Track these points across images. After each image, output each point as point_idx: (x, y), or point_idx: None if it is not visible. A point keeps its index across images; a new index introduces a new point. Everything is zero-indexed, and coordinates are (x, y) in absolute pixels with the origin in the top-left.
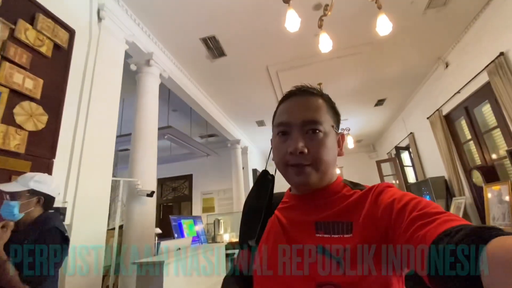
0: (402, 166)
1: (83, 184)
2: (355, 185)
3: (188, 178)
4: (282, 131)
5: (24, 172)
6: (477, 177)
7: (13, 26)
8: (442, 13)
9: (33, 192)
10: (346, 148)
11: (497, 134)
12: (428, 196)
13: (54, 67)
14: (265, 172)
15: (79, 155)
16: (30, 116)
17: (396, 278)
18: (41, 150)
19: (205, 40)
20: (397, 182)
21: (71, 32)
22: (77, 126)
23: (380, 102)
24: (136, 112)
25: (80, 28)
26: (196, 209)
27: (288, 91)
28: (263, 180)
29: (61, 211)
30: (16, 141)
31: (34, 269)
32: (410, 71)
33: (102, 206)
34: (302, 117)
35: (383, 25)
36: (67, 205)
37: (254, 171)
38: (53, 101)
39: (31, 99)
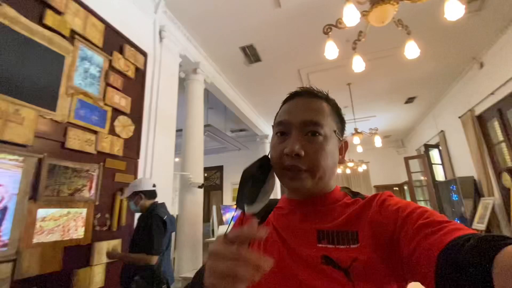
0: (431, 164)
1: (155, 179)
2: (355, 194)
3: (219, 169)
4: (281, 131)
5: (122, 170)
6: (507, 179)
7: (110, 58)
8: (477, 17)
9: (135, 193)
10: (374, 146)
11: None
12: (456, 196)
13: (136, 86)
14: (266, 156)
15: (151, 155)
16: (124, 127)
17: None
18: (131, 153)
19: (243, 49)
20: (425, 179)
21: (145, 55)
22: (148, 131)
23: (410, 100)
24: (186, 115)
25: (149, 50)
26: (226, 198)
27: (293, 92)
28: (265, 161)
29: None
30: (117, 147)
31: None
32: (443, 70)
33: (167, 196)
34: (302, 118)
35: (411, 50)
36: None
37: None
38: (136, 113)
39: (124, 113)
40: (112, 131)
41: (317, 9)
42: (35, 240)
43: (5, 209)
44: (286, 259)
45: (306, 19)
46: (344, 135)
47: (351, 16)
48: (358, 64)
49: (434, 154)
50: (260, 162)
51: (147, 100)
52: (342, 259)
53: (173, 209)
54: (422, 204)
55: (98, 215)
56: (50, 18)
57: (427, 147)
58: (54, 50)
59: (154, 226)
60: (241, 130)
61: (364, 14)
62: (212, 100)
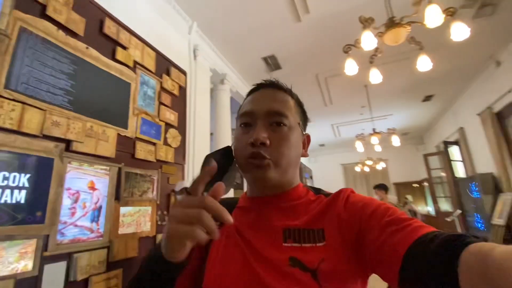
0: (450, 160)
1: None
2: (318, 190)
3: None
4: (245, 122)
5: (174, 174)
6: None
7: (161, 80)
8: (491, 20)
9: (183, 189)
10: (391, 145)
11: None
12: (477, 193)
13: (180, 102)
14: (229, 147)
15: (192, 160)
16: (174, 138)
17: (361, 283)
18: (180, 159)
19: (265, 59)
20: (445, 175)
21: (185, 74)
22: (189, 140)
23: (428, 98)
24: (216, 122)
25: (187, 68)
26: None
27: (257, 83)
28: (228, 151)
29: None
30: (170, 155)
31: None
32: (460, 69)
33: None
34: (267, 108)
35: (424, 64)
36: None
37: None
38: (182, 126)
39: (173, 127)
40: (165, 142)
41: (334, 23)
42: (120, 232)
43: (100, 208)
44: (250, 261)
45: (324, 31)
46: (307, 131)
47: (368, 41)
48: (375, 76)
49: (454, 151)
50: (223, 150)
51: (188, 113)
52: (310, 260)
53: None
54: (443, 200)
55: (159, 212)
56: (120, 53)
57: (447, 144)
58: (123, 79)
59: None
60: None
61: (380, 35)
62: (236, 106)
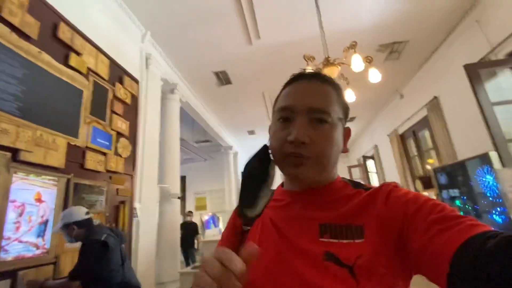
0: (368, 172)
1: (144, 192)
2: (356, 184)
3: (182, 179)
4: (283, 116)
5: (123, 185)
6: (419, 184)
7: (114, 88)
8: (398, 62)
9: (66, 225)
10: None
11: (433, 153)
12: None
13: (132, 111)
14: (266, 146)
15: (140, 170)
16: (124, 148)
17: (403, 283)
18: (129, 169)
19: (216, 73)
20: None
21: (137, 82)
22: (139, 149)
23: (352, 119)
24: (164, 131)
25: (139, 77)
26: (189, 207)
27: (297, 73)
28: (265, 152)
29: (134, 212)
30: (120, 165)
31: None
32: (375, 98)
33: (154, 207)
34: (309, 104)
35: (349, 96)
36: (138, 205)
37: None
38: (133, 135)
39: (124, 136)
40: (116, 152)
41: (281, 51)
42: (66, 246)
43: (47, 221)
44: (285, 252)
45: (271, 56)
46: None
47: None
48: None
49: (370, 164)
50: (258, 156)
51: (139, 122)
52: (346, 256)
53: (153, 220)
54: None
55: (108, 225)
56: (73, 59)
57: (365, 158)
58: (75, 86)
59: (82, 251)
60: (205, 141)
61: (319, 70)
62: (185, 115)
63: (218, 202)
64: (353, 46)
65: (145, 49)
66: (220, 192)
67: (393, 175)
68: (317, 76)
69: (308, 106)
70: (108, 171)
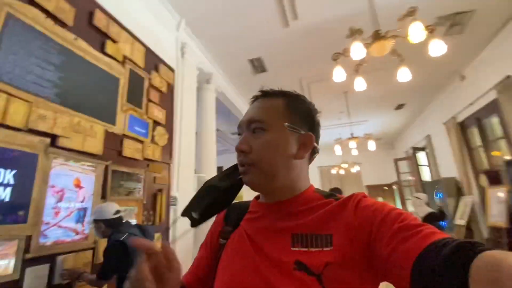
0: (418, 165)
1: (181, 181)
2: (328, 195)
3: (219, 170)
4: (238, 133)
5: (160, 173)
6: (483, 180)
7: (150, 76)
8: (460, 37)
9: (96, 221)
10: (365, 148)
11: (503, 143)
12: (441, 194)
13: (168, 99)
14: (237, 165)
15: (178, 159)
16: (161, 136)
17: None
18: (166, 158)
19: (251, 61)
20: (413, 179)
21: (173, 71)
22: (176, 139)
23: (400, 106)
24: (200, 121)
25: (174, 65)
26: None
27: (253, 96)
28: (232, 170)
29: (172, 200)
30: (157, 153)
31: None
32: (429, 81)
33: (192, 195)
34: (248, 117)
35: (404, 75)
36: (177, 194)
37: None
38: (169, 124)
39: (160, 124)
40: (153, 140)
41: (321, 31)
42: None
43: (86, 208)
44: (258, 264)
45: (311, 37)
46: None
47: (357, 51)
48: (360, 84)
49: (421, 156)
50: (227, 171)
51: (175, 111)
52: (315, 264)
53: None
54: (410, 202)
55: (145, 212)
56: (109, 47)
57: (415, 149)
58: (112, 73)
59: (105, 251)
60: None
61: (367, 46)
62: (221, 106)
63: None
64: (411, 13)
65: (180, 37)
66: None
67: (450, 168)
68: (265, 93)
69: (247, 119)
70: (145, 159)
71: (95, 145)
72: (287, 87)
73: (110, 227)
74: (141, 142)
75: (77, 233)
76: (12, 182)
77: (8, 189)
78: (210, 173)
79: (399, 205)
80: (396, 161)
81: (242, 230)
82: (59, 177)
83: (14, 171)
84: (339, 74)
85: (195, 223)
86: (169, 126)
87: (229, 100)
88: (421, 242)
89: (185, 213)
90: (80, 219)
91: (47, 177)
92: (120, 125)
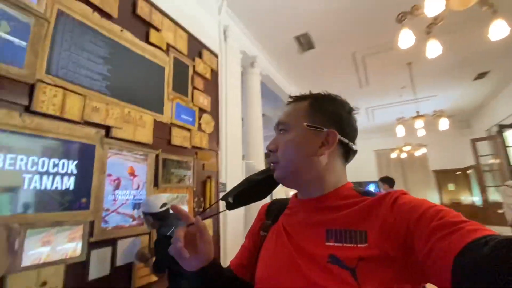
0: (505, 146)
1: (229, 167)
2: (364, 192)
3: (266, 156)
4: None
5: (209, 160)
6: None
7: (194, 63)
8: None
9: (144, 213)
10: (433, 128)
11: None
12: None
13: (212, 86)
14: None
15: (225, 146)
16: (207, 124)
17: None
18: (213, 145)
19: (297, 38)
20: (498, 161)
21: (216, 56)
22: (222, 125)
23: (481, 76)
24: (246, 107)
25: (218, 51)
26: None
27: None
28: (270, 168)
29: (222, 186)
30: (204, 141)
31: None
32: None
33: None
34: (277, 120)
35: (499, 30)
36: (226, 181)
37: None
38: (214, 111)
39: (206, 111)
40: (200, 128)
41: None
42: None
43: (141, 195)
44: (294, 257)
45: (363, 3)
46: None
47: (433, 5)
48: (433, 49)
49: (509, 136)
50: (266, 169)
51: (220, 97)
52: (348, 258)
53: None
54: (492, 190)
55: (196, 199)
56: (153, 36)
57: (502, 127)
58: (157, 63)
59: (154, 244)
60: None
61: None
62: (266, 91)
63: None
64: None
65: (222, 21)
66: None
67: None
68: (295, 99)
69: (276, 122)
70: (193, 147)
71: (145, 134)
72: (338, 63)
73: (158, 220)
74: (189, 130)
75: (134, 219)
76: (74, 172)
77: (72, 178)
78: (258, 159)
79: (476, 193)
80: (474, 141)
81: (280, 224)
82: (114, 166)
83: (76, 162)
84: (406, 38)
85: (229, 207)
86: (214, 113)
87: (275, 83)
88: (461, 239)
89: (223, 198)
90: (136, 206)
91: (104, 167)
92: (168, 114)
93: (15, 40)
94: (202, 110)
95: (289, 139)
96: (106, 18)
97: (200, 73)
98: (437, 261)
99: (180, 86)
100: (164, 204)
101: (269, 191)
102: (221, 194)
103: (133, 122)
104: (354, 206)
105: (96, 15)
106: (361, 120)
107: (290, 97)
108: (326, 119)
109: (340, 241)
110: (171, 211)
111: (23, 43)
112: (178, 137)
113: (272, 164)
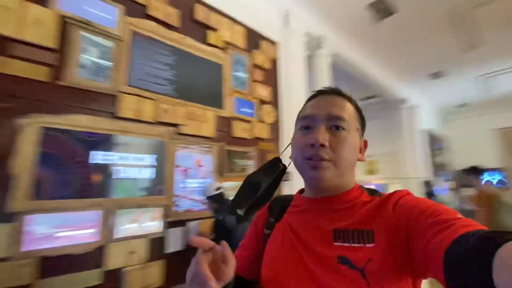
0: None
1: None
2: (372, 192)
3: None
4: (305, 125)
5: (270, 150)
6: None
7: (251, 56)
8: None
9: (206, 199)
10: None
11: None
12: None
13: (271, 75)
14: (276, 159)
15: (287, 136)
16: (268, 114)
17: (413, 286)
18: (274, 135)
19: (371, 5)
20: None
21: (276, 45)
22: (283, 115)
23: None
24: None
25: (277, 38)
26: (358, 171)
27: (316, 90)
28: (272, 165)
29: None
30: (265, 132)
31: None
32: None
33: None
34: (328, 112)
35: None
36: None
37: (425, 132)
38: (275, 101)
39: (266, 102)
40: (260, 119)
41: None
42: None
43: (207, 183)
44: (303, 255)
45: None
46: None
47: None
48: None
49: None
50: (264, 168)
51: (281, 86)
52: (358, 259)
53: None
54: None
55: None
56: (211, 36)
57: None
58: (216, 61)
59: (212, 228)
60: (369, 98)
61: None
62: (337, 72)
63: (393, 166)
64: None
65: (282, 5)
66: (393, 155)
67: None
68: (335, 91)
69: (327, 114)
70: (254, 137)
71: (209, 129)
72: (427, 27)
73: (216, 203)
74: (249, 122)
75: (202, 204)
76: (155, 163)
77: (153, 169)
78: None
79: None
80: None
81: (285, 222)
82: (183, 159)
83: (155, 156)
84: None
85: (241, 220)
86: (275, 103)
87: (347, 62)
88: (452, 234)
89: (231, 211)
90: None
91: (174, 159)
92: (228, 109)
93: (102, 62)
94: (262, 101)
95: (350, 140)
96: (169, 29)
97: (259, 65)
98: (431, 254)
99: (239, 80)
100: (218, 188)
101: (274, 192)
102: (285, 183)
103: (197, 118)
104: (362, 206)
105: (162, 28)
106: (470, 91)
107: (332, 89)
108: (362, 125)
109: (348, 241)
110: (225, 198)
111: (108, 63)
112: (238, 129)
113: (321, 161)
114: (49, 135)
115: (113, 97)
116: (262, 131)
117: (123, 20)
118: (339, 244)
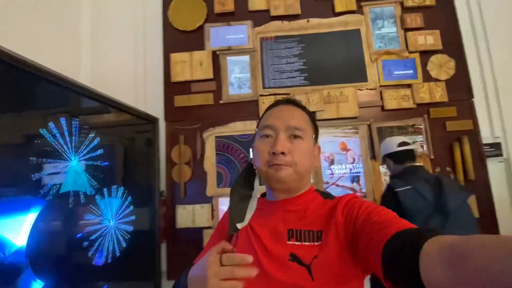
0: None
1: (508, 118)
2: (326, 195)
3: None
4: (266, 134)
5: (453, 117)
6: None
7: (401, 0)
8: None
9: (383, 158)
10: None
11: None
12: None
13: (441, 12)
14: (250, 164)
15: (494, 92)
16: (440, 67)
17: (358, 282)
18: (460, 94)
19: None
20: None
21: None
22: (472, 61)
23: None
24: None
25: None
26: None
27: (276, 100)
28: (249, 172)
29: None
30: (439, 93)
31: None
32: None
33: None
34: (287, 122)
35: None
36: (500, 140)
37: None
38: (452, 45)
39: (435, 52)
40: (427, 78)
41: None
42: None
43: (358, 168)
44: (260, 256)
45: None
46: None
47: None
48: None
49: None
50: (243, 174)
51: (463, 19)
52: (305, 256)
53: None
54: None
55: (438, 169)
56: (338, 4)
57: None
58: (350, 29)
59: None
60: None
61: None
62: None
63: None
64: None
65: None
66: None
67: None
68: (292, 102)
69: (287, 124)
70: (419, 104)
71: (350, 108)
72: None
73: (398, 163)
74: (409, 86)
75: (354, 191)
76: None
77: None
78: None
79: None
80: None
81: (248, 224)
82: (325, 144)
83: None
84: None
85: (245, 224)
86: (452, 49)
87: None
88: (390, 232)
89: (231, 228)
90: (355, 178)
91: None
92: (374, 78)
93: (243, 75)
94: (426, 53)
95: (306, 147)
96: (292, 20)
97: (412, 7)
98: (372, 251)
99: (385, 38)
100: (402, 143)
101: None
102: (490, 160)
103: (334, 101)
104: (315, 208)
105: (285, 22)
106: None
107: (289, 99)
108: (316, 133)
109: (300, 240)
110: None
111: (247, 75)
112: (392, 100)
113: (280, 165)
114: (220, 141)
115: (255, 102)
116: (434, 93)
117: (252, 33)
118: (291, 243)
